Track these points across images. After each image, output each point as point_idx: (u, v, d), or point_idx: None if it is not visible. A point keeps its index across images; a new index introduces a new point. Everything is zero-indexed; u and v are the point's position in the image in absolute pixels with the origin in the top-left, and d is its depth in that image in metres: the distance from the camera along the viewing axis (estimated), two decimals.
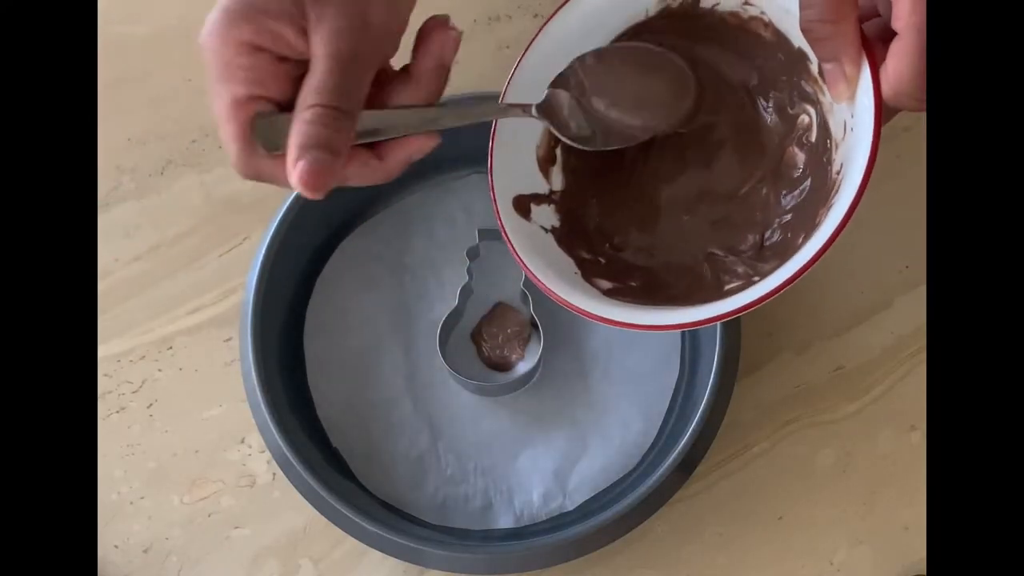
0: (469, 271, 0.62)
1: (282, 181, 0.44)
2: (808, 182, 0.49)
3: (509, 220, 0.49)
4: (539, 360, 0.61)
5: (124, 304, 0.65)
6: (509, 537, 0.59)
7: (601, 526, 0.55)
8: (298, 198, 0.59)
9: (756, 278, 0.48)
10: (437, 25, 0.46)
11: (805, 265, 0.43)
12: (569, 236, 0.51)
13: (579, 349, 0.62)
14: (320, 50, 0.43)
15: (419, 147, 0.47)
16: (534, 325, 0.62)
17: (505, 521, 0.60)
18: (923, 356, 0.63)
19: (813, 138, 0.49)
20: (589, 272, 0.50)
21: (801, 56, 0.48)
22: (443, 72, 0.47)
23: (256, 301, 0.58)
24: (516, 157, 0.51)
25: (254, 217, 0.65)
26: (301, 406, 0.61)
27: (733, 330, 0.58)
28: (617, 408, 0.61)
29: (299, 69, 0.44)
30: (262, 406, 0.56)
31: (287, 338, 0.62)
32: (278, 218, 0.59)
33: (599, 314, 0.46)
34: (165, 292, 0.65)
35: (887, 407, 0.63)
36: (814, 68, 0.47)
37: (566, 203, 0.52)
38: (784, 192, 0.50)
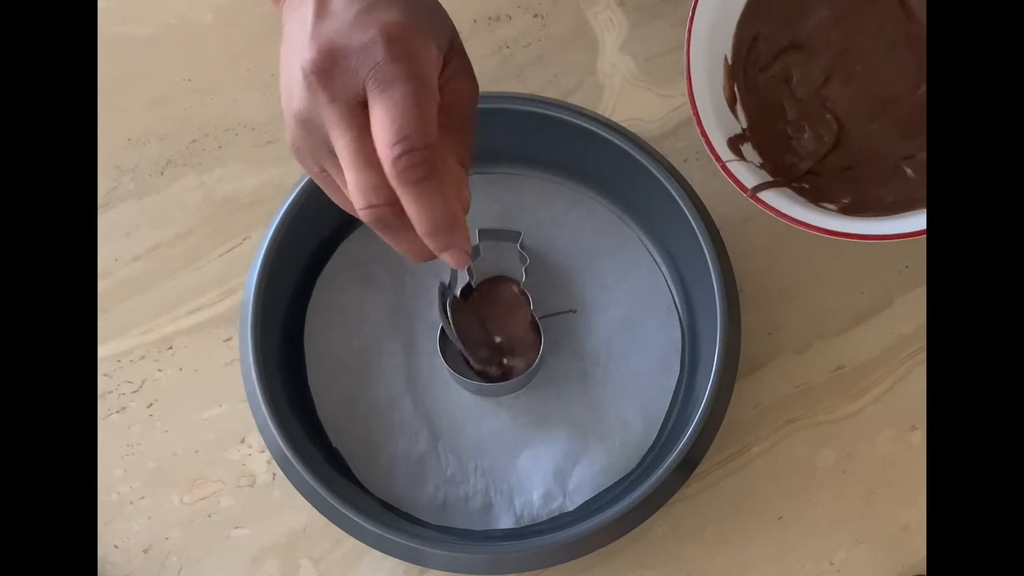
0: (469, 271, 0.62)
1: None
2: None
3: (733, 163, 0.51)
4: (539, 360, 0.61)
5: (124, 304, 0.64)
6: (509, 537, 0.59)
7: (601, 526, 0.55)
8: (298, 198, 0.59)
9: None
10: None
11: None
12: (774, 169, 0.53)
13: (579, 349, 0.63)
14: (463, 92, 0.43)
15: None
16: (534, 325, 0.62)
17: (505, 521, 0.60)
18: (923, 356, 0.63)
19: None
20: (810, 198, 0.52)
21: None
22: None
23: (256, 301, 0.58)
24: (712, 102, 0.52)
25: (254, 217, 0.65)
26: (301, 406, 0.61)
27: (733, 330, 0.58)
28: (617, 408, 0.61)
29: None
30: (262, 406, 0.56)
31: (287, 338, 0.62)
32: (278, 218, 0.59)
33: (858, 232, 0.48)
34: (165, 292, 0.65)
35: (887, 407, 0.63)
36: None
37: (758, 138, 0.54)
38: None
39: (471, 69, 0.45)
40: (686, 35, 0.51)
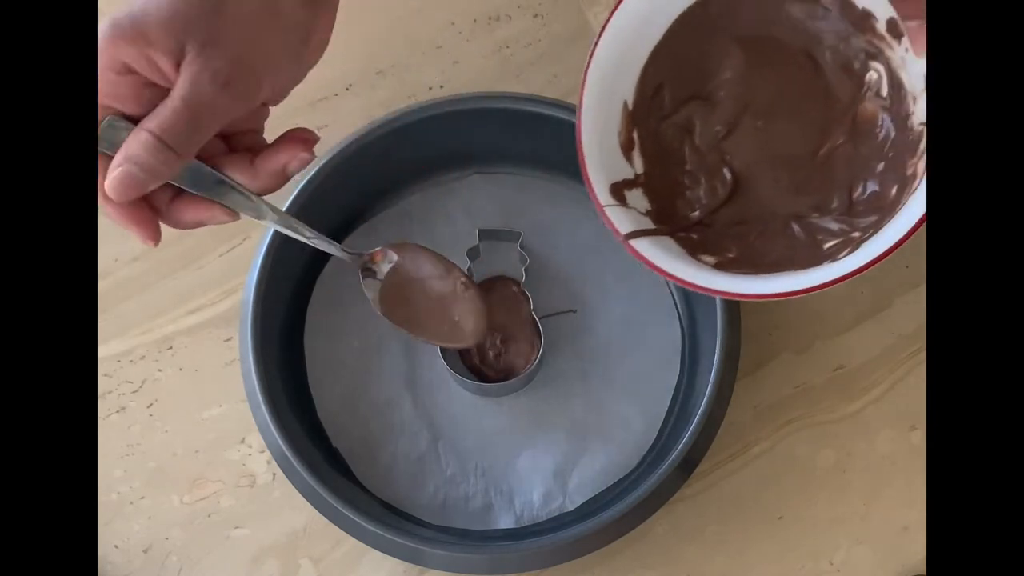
0: (469, 271, 0.62)
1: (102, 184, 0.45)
2: (891, 135, 0.50)
3: (611, 208, 0.51)
4: (539, 360, 0.61)
5: (124, 304, 0.64)
6: (509, 537, 0.59)
7: (601, 526, 0.55)
8: (298, 198, 0.59)
9: (856, 233, 0.49)
10: (296, 138, 0.47)
11: (919, 221, 0.44)
12: (662, 217, 0.53)
13: (579, 349, 0.62)
14: (180, 90, 0.44)
15: (211, 216, 0.48)
16: (534, 325, 0.62)
17: (505, 521, 0.60)
18: (923, 356, 0.63)
19: (885, 92, 0.50)
20: (690, 249, 0.51)
21: (865, 16, 0.49)
22: (282, 179, 0.48)
23: (256, 301, 0.58)
24: (601, 145, 0.52)
25: None
26: (301, 406, 0.61)
27: (733, 330, 0.58)
28: (617, 408, 0.61)
29: (164, 95, 0.44)
30: (262, 406, 0.56)
31: (287, 338, 0.62)
32: None
33: (719, 288, 0.48)
34: (165, 292, 0.65)
35: (887, 407, 0.63)
36: (880, 26, 0.48)
37: (651, 184, 0.53)
38: (866, 148, 0.51)
39: (223, 71, 0.45)
40: (582, 77, 0.51)
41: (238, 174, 0.47)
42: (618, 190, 0.52)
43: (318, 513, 0.57)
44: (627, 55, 0.52)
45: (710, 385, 0.56)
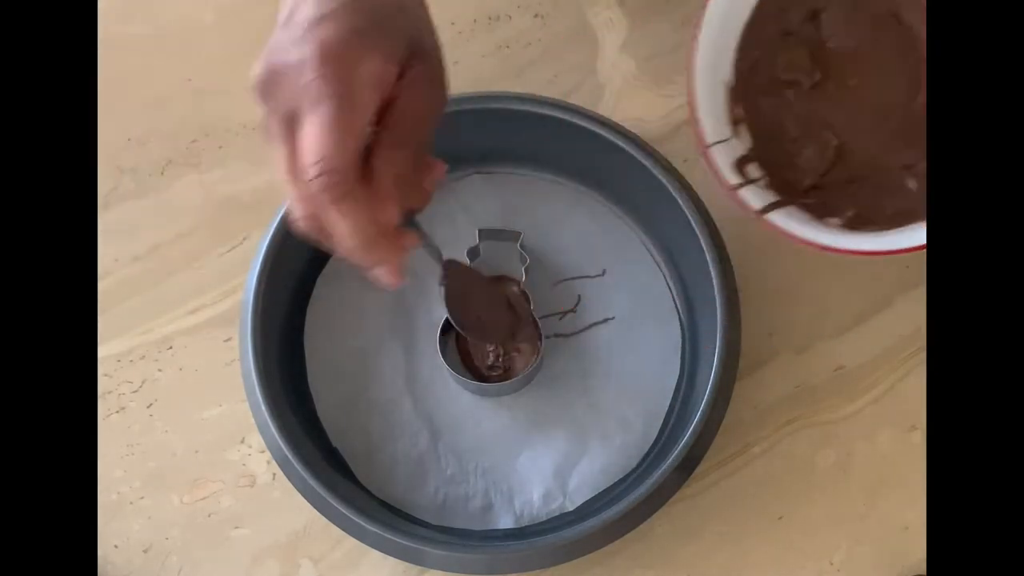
0: None
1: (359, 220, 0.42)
2: None
3: (738, 185, 0.53)
4: (539, 360, 0.61)
5: (124, 304, 0.64)
6: (509, 537, 0.59)
7: (601, 526, 0.55)
8: None
9: None
10: (437, 163, 0.46)
11: None
12: (778, 187, 0.54)
13: (579, 349, 0.62)
14: (415, 99, 0.42)
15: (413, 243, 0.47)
16: (534, 325, 0.62)
17: (505, 521, 0.60)
18: (923, 356, 0.63)
19: None
20: (814, 214, 0.52)
21: None
22: (433, 193, 0.47)
23: (256, 301, 0.58)
24: (715, 126, 0.54)
25: (254, 217, 0.65)
26: (301, 406, 0.61)
27: (733, 331, 0.58)
28: (617, 408, 0.61)
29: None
30: (262, 406, 0.56)
31: (287, 338, 0.62)
32: (278, 218, 0.59)
33: (858, 248, 0.50)
34: (165, 292, 0.65)
35: (887, 407, 0.63)
36: None
37: (762, 157, 0.55)
38: None
39: (438, 77, 0.45)
40: (686, 66, 0.53)
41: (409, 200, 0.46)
42: (740, 167, 0.53)
43: (318, 513, 0.57)
44: (722, 37, 0.54)
45: (710, 385, 0.56)
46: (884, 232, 0.52)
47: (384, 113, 0.42)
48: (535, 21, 0.68)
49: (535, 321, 0.61)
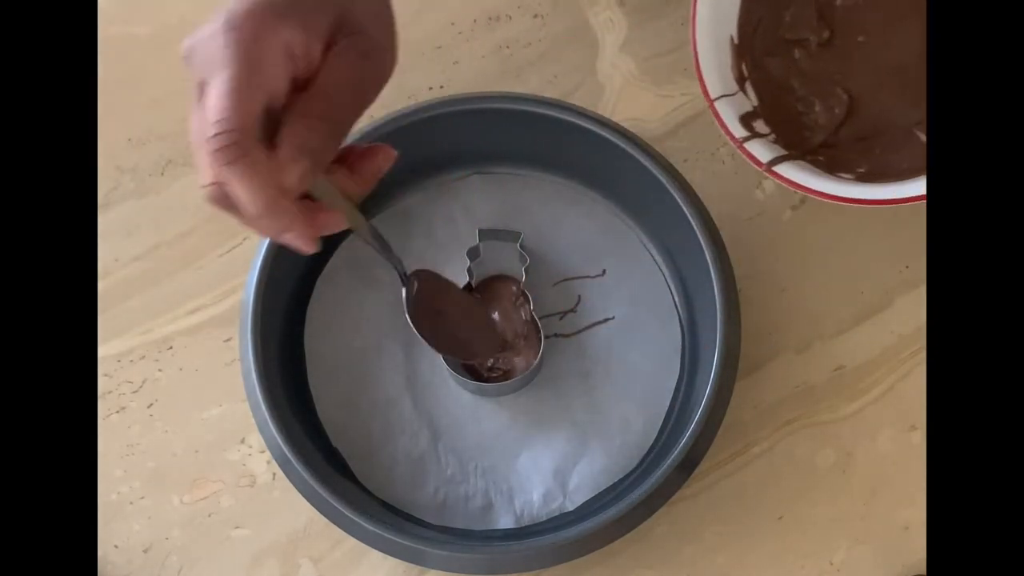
0: (469, 271, 0.62)
1: (254, 184, 0.42)
2: None
3: (749, 143, 0.52)
4: (539, 360, 0.61)
5: (124, 304, 0.64)
6: (509, 537, 0.59)
7: (601, 526, 0.55)
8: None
9: None
10: (378, 144, 0.47)
11: None
12: (788, 143, 0.54)
13: (579, 349, 0.62)
14: (337, 72, 0.42)
15: (337, 224, 0.48)
16: (534, 325, 0.62)
17: (505, 521, 0.60)
18: (923, 356, 0.63)
19: None
20: (826, 169, 0.52)
21: None
22: (377, 179, 0.48)
23: (256, 301, 0.58)
24: (721, 81, 0.54)
25: None
26: (301, 406, 0.61)
27: (733, 330, 0.58)
28: (617, 408, 0.61)
29: (296, 86, 0.43)
30: (262, 406, 0.56)
31: (287, 338, 0.62)
32: None
33: (873, 197, 0.49)
34: (165, 292, 0.65)
35: (887, 407, 0.63)
36: None
37: (769, 115, 0.55)
38: None
39: (372, 52, 0.45)
40: (690, 19, 0.52)
41: (342, 180, 0.47)
42: (747, 122, 0.53)
43: (318, 513, 0.57)
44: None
45: (710, 385, 0.56)
46: (899, 183, 0.52)
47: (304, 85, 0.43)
48: (535, 21, 0.68)
49: (535, 321, 0.61)
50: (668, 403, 0.62)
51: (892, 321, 0.64)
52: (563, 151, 0.63)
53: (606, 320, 0.63)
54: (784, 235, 0.64)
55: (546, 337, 0.61)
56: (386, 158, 0.47)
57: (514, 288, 0.63)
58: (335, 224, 0.47)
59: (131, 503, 0.62)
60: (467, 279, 0.62)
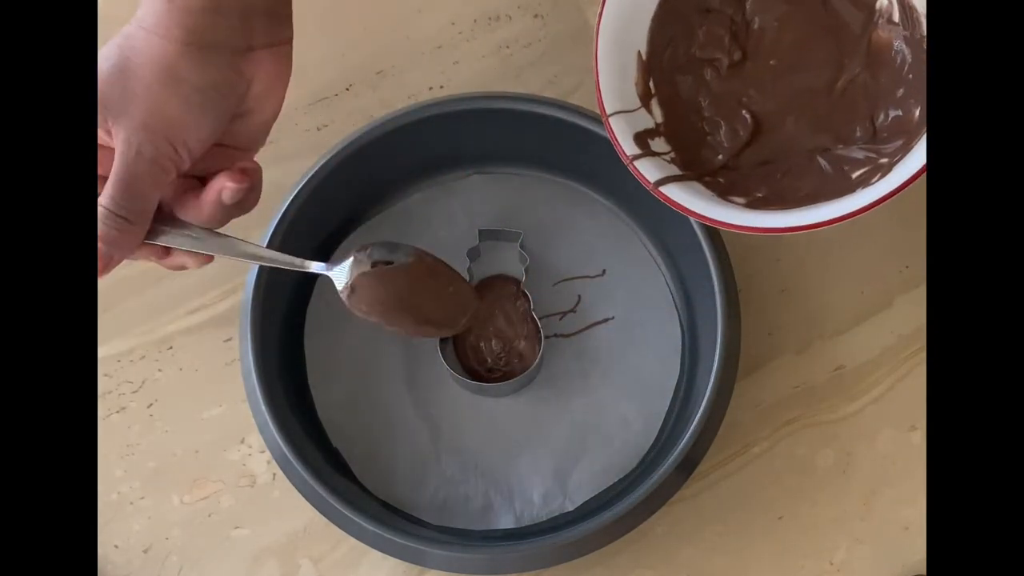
0: (469, 271, 0.62)
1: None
2: (907, 59, 0.50)
3: (639, 160, 0.52)
4: (539, 360, 0.61)
5: (124, 304, 0.64)
6: (509, 537, 0.59)
7: (601, 526, 0.55)
8: (298, 198, 0.59)
9: (884, 159, 0.49)
10: (231, 170, 0.50)
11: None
12: (687, 163, 0.54)
13: (579, 349, 0.63)
14: (115, 163, 0.47)
15: (182, 263, 0.53)
16: (534, 325, 0.62)
17: (505, 521, 0.60)
18: (923, 356, 0.63)
19: (896, 18, 0.50)
20: (719, 192, 0.52)
21: None
22: (220, 208, 0.50)
23: (256, 301, 0.58)
24: (621, 96, 0.53)
25: (254, 217, 0.65)
26: (301, 406, 0.61)
27: (733, 330, 0.58)
28: (617, 408, 0.61)
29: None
30: (262, 406, 0.56)
31: (287, 338, 0.62)
32: (278, 218, 0.59)
33: (754, 225, 0.49)
34: (165, 292, 0.65)
35: (887, 407, 0.63)
36: None
37: (672, 133, 0.54)
38: (884, 76, 0.51)
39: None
40: (595, 32, 0.52)
41: (188, 213, 0.50)
42: (642, 140, 0.53)
43: (318, 513, 0.57)
44: (637, 6, 0.53)
45: (710, 385, 0.56)
46: (788, 211, 0.51)
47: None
48: (535, 21, 0.68)
49: (535, 321, 0.61)
50: (668, 403, 0.62)
51: (892, 321, 0.64)
52: (563, 151, 0.63)
53: (606, 320, 0.63)
54: (784, 235, 0.64)
55: (546, 337, 0.61)
56: (225, 188, 0.49)
57: (514, 288, 0.63)
58: (189, 263, 0.52)
59: (131, 503, 0.62)
60: (467, 280, 0.62)
